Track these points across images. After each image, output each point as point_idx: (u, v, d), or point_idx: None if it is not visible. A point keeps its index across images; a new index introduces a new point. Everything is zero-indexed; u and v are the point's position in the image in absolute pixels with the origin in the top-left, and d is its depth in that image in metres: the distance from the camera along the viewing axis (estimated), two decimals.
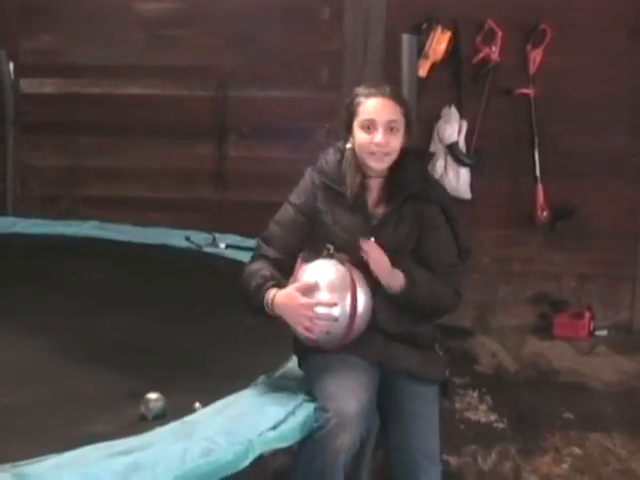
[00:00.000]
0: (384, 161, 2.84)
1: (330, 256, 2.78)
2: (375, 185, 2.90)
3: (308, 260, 2.80)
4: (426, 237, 2.88)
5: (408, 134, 2.87)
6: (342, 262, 2.77)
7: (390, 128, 2.80)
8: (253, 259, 2.92)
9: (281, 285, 2.76)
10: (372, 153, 2.81)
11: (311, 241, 2.89)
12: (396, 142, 2.82)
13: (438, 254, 2.90)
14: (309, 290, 2.71)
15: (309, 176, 2.94)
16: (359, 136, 2.83)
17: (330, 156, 2.93)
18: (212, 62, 5.60)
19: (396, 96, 2.86)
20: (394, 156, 2.85)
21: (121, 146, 5.76)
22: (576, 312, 5.48)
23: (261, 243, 2.92)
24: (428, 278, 2.83)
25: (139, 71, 5.72)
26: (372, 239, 2.78)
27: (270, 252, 2.87)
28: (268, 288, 2.76)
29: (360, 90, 2.87)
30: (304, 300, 2.68)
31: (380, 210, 2.89)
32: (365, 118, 2.82)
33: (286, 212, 2.93)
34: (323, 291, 2.71)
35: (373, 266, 2.77)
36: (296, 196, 2.93)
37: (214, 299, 3.86)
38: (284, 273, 2.83)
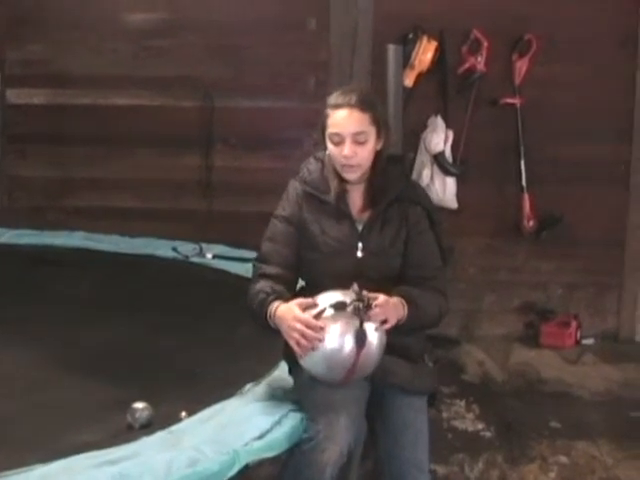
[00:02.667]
0: (356, 172, 2.84)
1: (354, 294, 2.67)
2: (357, 190, 2.90)
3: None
4: (412, 242, 2.88)
5: (383, 138, 2.86)
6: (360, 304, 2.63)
7: (357, 140, 2.79)
8: (253, 281, 2.88)
9: (284, 298, 2.74)
10: (343, 165, 2.82)
11: (300, 252, 2.88)
12: (365, 152, 2.82)
13: (425, 259, 2.90)
14: (310, 308, 2.67)
15: (292, 187, 2.94)
16: (329, 148, 2.84)
17: (312, 165, 2.94)
18: (199, 72, 5.59)
19: (363, 104, 2.80)
20: (366, 165, 2.85)
21: (108, 156, 5.74)
22: (563, 321, 5.48)
23: (258, 264, 2.90)
24: (423, 297, 2.81)
25: (126, 81, 5.71)
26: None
27: (269, 269, 2.85)
28: (271, 301, 2.74)
29: (330, 99, 2.84)
30: (298, 313, 2.65)
31: (366, 215, 2.89)
32: (332, 132, 2.81)
33: (275, 227, 2.92)
34: (328, 317, 2.64)
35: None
36: (282, 208, 2.93)
37: (200, 309, 3.86)
38: (287, 286, 2.83)
